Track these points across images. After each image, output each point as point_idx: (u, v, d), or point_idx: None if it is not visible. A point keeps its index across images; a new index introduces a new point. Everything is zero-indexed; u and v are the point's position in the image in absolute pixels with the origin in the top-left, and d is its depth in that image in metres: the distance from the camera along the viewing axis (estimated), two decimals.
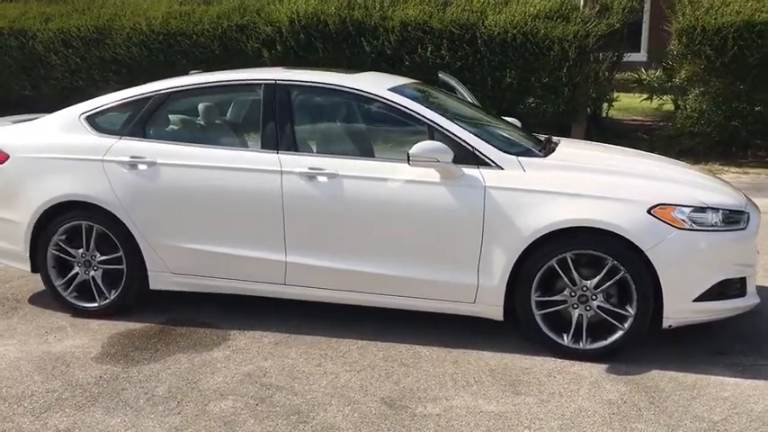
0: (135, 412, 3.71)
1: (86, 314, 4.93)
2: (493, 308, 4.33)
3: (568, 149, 4.91)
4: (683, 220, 4.07)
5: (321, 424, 3.58)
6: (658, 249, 4.03)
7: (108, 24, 13.22)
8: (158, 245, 4.71)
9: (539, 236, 4.15)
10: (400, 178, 4.35)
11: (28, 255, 4.95)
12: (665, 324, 4.15)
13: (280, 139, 4.57)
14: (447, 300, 4.41)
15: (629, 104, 13.44)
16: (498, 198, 4.21)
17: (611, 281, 4.13)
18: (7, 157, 4.96)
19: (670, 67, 12.43)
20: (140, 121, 4.83)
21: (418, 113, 4.46)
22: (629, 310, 4.13)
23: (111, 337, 4.63)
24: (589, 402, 3.77)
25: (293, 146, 4.57)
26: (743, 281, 4.26)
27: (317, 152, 4.65)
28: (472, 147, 4.33)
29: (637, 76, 12.90)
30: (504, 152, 4.37)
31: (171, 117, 4.99)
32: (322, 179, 4.43)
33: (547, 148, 4.73)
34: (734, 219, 4.20)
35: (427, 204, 4.30)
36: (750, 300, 4.29)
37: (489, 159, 4.31)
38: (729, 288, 4.22)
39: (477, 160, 4.31)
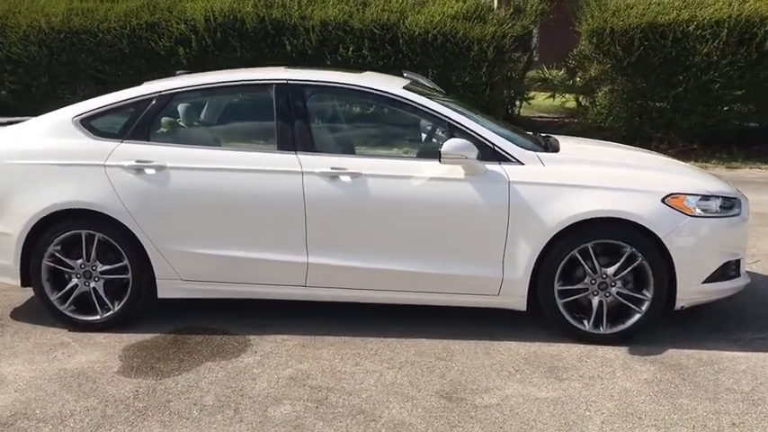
0: (194, 423, 3.61)
1: (86, 328, 4.71)
2: (517, 299, 4.49)
3: (571, 145, 5.15)
4: (693, 208, 4.38)
5: (391, 421, 3.62)
6: (672, 236, 4.32)
7: (1, 22, 12.48)
8: (169, 252, 4.57)
9: (562, 227, 4.34)
10: (425, 176, 4.43)
11: (18, 268, 4.66)
12: (678, 305, 4.45)
13: (297, 140, 4.53)
14: (471, 293, 4.53)
15: (534, 103, 14.01)
16: (522, 192, 4.36)
17: (630, 268, 4.38)
18: None
19: (572, 66, 13.09)
20: (142, 123, 4.66)
21: (438, 112, 4.55)
22: (647, 294, 4.39)
23: (125, 350, 4.45)
24: (629, 383, 3.99)
25: (311, 146, 4.54)
26: (738, 263, 4.63)
27: (335, 152, 4.63)
28: (492, 144, 4.47)
29: (542, 75, 13.47)
30: (524, 148, 4.53)
31: (176, 119, 4.83)
32: (345, 179, 4.44)
33: (553, 145, 4.93)
34: (730, 205, 4.55)
35: (453, 201, 4.40)
36: (744, 280, 4.66)
37: (510, 156, 4.46)
38: (728, 270, 4.57)
39: (499, 157, 4.45)
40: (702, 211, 4.42)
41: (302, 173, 4.46)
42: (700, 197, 4.43)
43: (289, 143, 4.54)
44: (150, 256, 4.58)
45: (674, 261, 4.34)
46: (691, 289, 4.42)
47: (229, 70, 5.43)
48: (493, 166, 4.43)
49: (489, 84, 11.54)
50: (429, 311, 4.77)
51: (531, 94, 13.77)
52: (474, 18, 11.70)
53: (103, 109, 4.74)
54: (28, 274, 4.69)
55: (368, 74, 5.24)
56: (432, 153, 4.54)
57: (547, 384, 3.99)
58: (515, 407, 3.75)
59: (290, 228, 4.49)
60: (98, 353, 4.40)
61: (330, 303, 4.77)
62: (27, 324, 4.83)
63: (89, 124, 4.69)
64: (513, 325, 4.68)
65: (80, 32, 12.32)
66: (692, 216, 4.37)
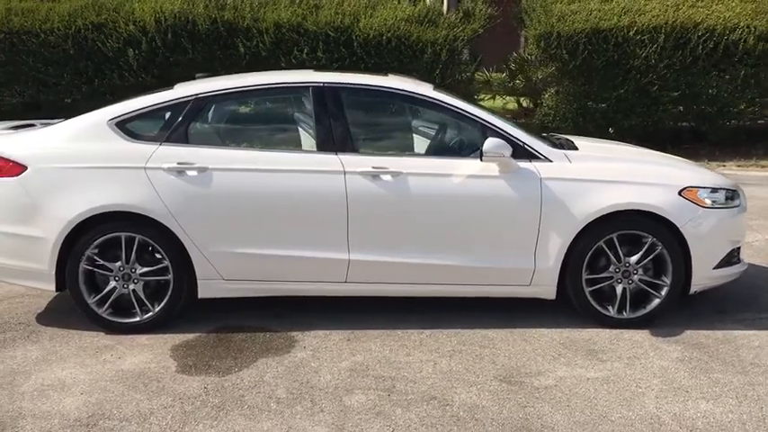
0: (276, 415, 3.73)
1: (123, 330, 4.72)
2: (547, 288, 4.78)
3: (587, 143, 5.48)
4: (705, 200, 4.78)
5: (465, 405, 3.84)
6: (689, 226, 4.70)
7: None
8: (211, 252, 4.64)
9: (590, 220, 4.66)
10: (462, 173, 4.67)
11: (53, 272, 4.64)
12: (692, 290, 4.84)
13: (336, 141, 4.69)
14: (504, 284, 4.80)
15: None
16: (553, 188, 4.66)
17: (651, 256, 4.74)
18: (24, 168, 4.61)
19: (513, 69, 13.61)
20: (181, 125, 4.72)
21: (470, 113, 4.81)
22: (665, 280, 4.76)
23: (174, 350, 4.51)
24: (664, 362, 4.35)
25: (350, 147, 4.71)
26: (738, 250, 5.06)
27: (374, 152, 4.81)
28: (523, 143, 4.75)
29: (484, 78, 13.92)
30: (551, 146, 4.83)
31: (214, 121, 4.90)
32: (386, 177, 4.63)
33: (569, 143, 5.24)
34: (732, 197, 4.98)
35: (489, 197, 4.66)
36: (744, 266, 5.11)
37: (540, 154, 4.75)
38: (732, 256, 4.99)
39: (529, 155, 4.74)
40: (712, 202, 4.82)
41: (344, 172, 4.62)
42: (710, 190, 4.83)
43: (328, 144, 4.69)
44: (192, 256, 4.64)
45: (690, 249, 4.72)
46: (703, 275, 4.82)
47: (257, 73, 5.51)
48: (524, 164, 4.70)
49: (443, 85, 11.84)
50: (449, 303, 4.99)
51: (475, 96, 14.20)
52: (426, 21, 12.01)
53: (140, 112, 4.77)
54: (62, 278, 4.66)
55: (392, 77, 5.43)
56: (465, 151, 4.79)
57: (591, 366, 4.29)
58: (572, 386, 4.03)
59: (333, 226, 4.64)
60: (147, 354, 4.44)
61: (360, 298, 4.93)
62: (59, 329, 4.80)
63: (125, 127, 4.71)
64: (537, 313, 4.96)
65: (21, 33, 11.97)
66: (704, 207, 4.77)
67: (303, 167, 4.65)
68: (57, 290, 4.72)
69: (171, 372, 4.21)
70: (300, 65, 11.80)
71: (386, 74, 5.67)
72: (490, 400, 3.88)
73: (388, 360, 4.35)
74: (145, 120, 4.80)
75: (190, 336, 4.69)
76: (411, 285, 4.79)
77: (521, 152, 4.72)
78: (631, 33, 11.54)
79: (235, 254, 4.65)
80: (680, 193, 4.74)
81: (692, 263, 4.76)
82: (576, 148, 5.05)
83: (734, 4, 12.09)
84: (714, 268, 4.86)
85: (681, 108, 12.15)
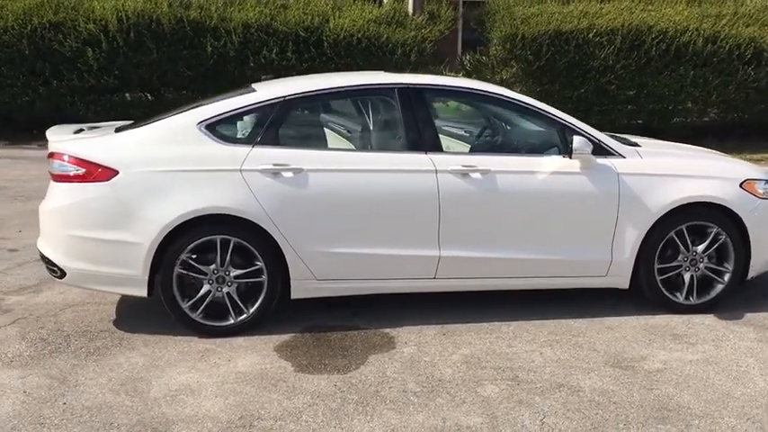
0: (422, 407, 3.83)
1: (216, 333, 4.69)
2: (622, 278, 5.05)
3: (645, 140, 5.77)
4: (762, 192, 5.15)
5: (595, 389, 4.04)
6: (749, 216, 5.07)
7: None
8: (306, 252, 4.67)
9: (664, 212, 4.96)
10: (546, 170, 4.87)
11: (147, 278, 4.57)
12: (750, 275, 5.20)
13: (425, 141, 4.81)
14: (583, 276, 5.04)
15: None
16: (629, 182, 4.93)
17: (716, 245, 5.08)
18: (116, 172, 4.52)
19: (470, 70, 13.94)
20: (271, 127, 4.73)
21: (549, 112, 5.02)
22: (728, 266, 5.11)
23: (277, 351, 4.52)
24: (746, 342, 4.68)
25: (438, 146, 4.84)
26: None
27: (461, 151, 4.96)
28: (598, 140, 5.00)
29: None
30: (623, 144, 5.10)
31: (303, 122, 4.93)
32: (475, 176, 4.78)
33: (631, 140, 5.53)
34: None
35: (572, 192, 4.89)
36: None
37: (614, 150, 5.02)
38: None
39: (605, 151, 4.99)
40: (764, 192, 5.20)
41: (436, 171, 4.74)
42: (764, 182, 5.21)
43: (418, 144, 4.81)
44: (287, 257, 4.66)
45: (750, 237, 5.09)
46: (760, 261, 5.20)
47: (330, 74, 5.56)
48: (602, 160, 4.96)
49: None
50: (515, 295, 5.17)
51: None
52: (393, 23, 12.19)
53: (228, 114, 4.74)
54: (154, 283, 4.60)
55: (464, 78, 5.58)
56: (542, 149, 5.01)
57: (684, 349, 4.57)
58: (681, 368, 4.30)
59: (425, 224, 4.76)
60: (253, 355, 4.43)
61: (432, 293, 5.06)
62: (146, 335, 4.72)
63: (216, 130, 4.68)
64: (602, 302, 5.22)
65: None
66: (761, 198, 5.14)
67: (396, 167, 4.74)
68: (148, 295, 4.62)
69: (290, 372, 4.23)
70: (269, 65, 11.77)
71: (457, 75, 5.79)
72: (615, 385, 4.09)
73: (495, 352, 4.50)
74: (233, 122, 4.78)
75: (285, 336, 4.70)
76: (497, 279, 4.96)
77: (597, 149, 4.97)
78: (591, 35, 12.06)
79: (329, 253, 4.70)
80: (741, 185, 5.10)
81: (752, 250, 5.11)
82: (639, 145, 5.33)
83: (681, 8, 12.82)
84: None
85: (634, 106, 12.75)
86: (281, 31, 11.83)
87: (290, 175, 4.62)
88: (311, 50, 11.91)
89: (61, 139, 4.76)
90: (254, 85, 5.15)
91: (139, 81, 12.10)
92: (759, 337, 4.75)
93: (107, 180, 4.51)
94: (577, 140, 4.78)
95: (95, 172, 4.52)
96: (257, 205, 4.56)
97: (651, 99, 12.47)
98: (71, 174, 4.56)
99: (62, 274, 4.64)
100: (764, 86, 12.63)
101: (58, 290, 5.49)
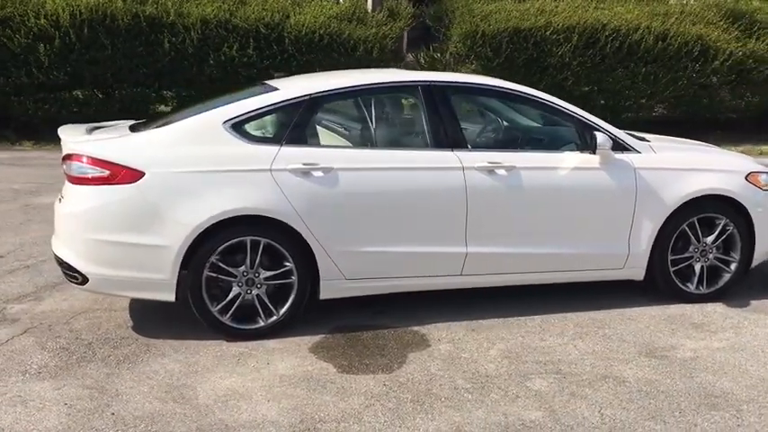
0: (478, 402, 3.85)
1: (246, 336, 4.60)
2: (638, 270, 5.18)
3: (652, 135, 5.90)
4: (764, 183, 5.37)
5: (639, 379, 4.13)
6: (754, 207, 5.27)
7: None
8: (336, 252, 4.63)
9: (678, 205, 5.11)
10: (568, 166, 4.96)
11: (175, 281, 4.45)
12: (753, 264, 5.41)
13: (450, 138, 4.83)
14: (601, 268, 5.15)
15: None
16: (645, 176, 5.06)
17: (724, 236, 5.26)
18: (142, 174, 4.38)
19: (423, 66, 14.02)
20: (297, 126, 4.66)
21: (568, 109, 5.10)
22: (734, 256, 5.30)
23: (313, 352, 4.47)
24: (765, 329, 4.85)
25: (463, 143, 4.87)
26: None
27: (484, 148, 5.00)
28: (615, 136, 5.11)
29: None
30: (637, 139, 5.23)
31: (329, 120, 4.87)
32: (501, 172, 4.83)
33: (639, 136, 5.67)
34: None
35: (592, 187, 4.99)
36: None
37: (630, 146, 5.14)
38: None
39: (621, 147, 5.11)
40: (766, 185, 5.41)
41: (463, 168, 4.76)
42: (766, 174, 5.42)
43: (443, 141, 4.82)
44: (317, 257, 4.60)
45: (755, 228, 5.29)
46: (762, 250, 5.41)
47: (348, 72, 5.52)
48: (620, 156, 5.07)
49: None
50: (529, 290, 5.24)
51: None
52: (354, 19, 12.16)
53: (253, 113, 4.65)
54: (182, 287, 4.49)
55: (480, 76, 5.61)
56: (561, 145, 5.09)
57: (709, 337, 4.72)
58: (712, 356, 4.44)
59: (452, 220, 4.78)
60: (292, 358, 4.37)
61: (450, 290, 5.07)
62: (173, 340, 4.59)
63: (242, 129, 4.59)
64: (612, 295, 5.33)
65: None
66: (763, 190, 5.35)
67: (425, 165, 4.74)
68: (176, 300, 4.49)
69: (334, 373, 4.19)
70: (230, 62, 11.60)
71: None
72: (656, 375, 4.20)
73: (530, 346, 4.56)
74: (257, 121, 4.69)
75: (315, 338, 4.65)
76: (520, 274, 5.02)
77: (615, 145, 5.07)
78: (548, 33, 12.30)
79: (359, 252, 4.67)
80: (746, 178, 5.29)
81: (756, 240, 5.31)
82: (648, 140, 5.47)
83: (631, 6, 13.18)
84: None
85: (587, 102, 13.04)
86: (241, 27, 11.66)
87: (319, 174, 4.56)
88: (273, 47, 11.77)
89: (78, 140, 4.58)
90: (272, 83, 5.06)
91: (92, 78, 11.73)
92: None
93: (133, 182, 4.36)
94: (600, 137, 4.88)
95: (120, 173, 4.37)
96: (288, 205, 4.49)
97: (604, 95, 12.78)
98: (93, 176, 4.39)
99: (84, 279, 4.47)
100: (710, 82, 13.11)
101: (61, 296, 5.30)
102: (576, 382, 4.10)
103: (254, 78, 11.43)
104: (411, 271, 4.82)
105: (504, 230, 4.88)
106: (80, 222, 4.45)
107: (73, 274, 4.51)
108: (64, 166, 4.56)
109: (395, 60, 12.37)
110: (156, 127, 4.69)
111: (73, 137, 4.65)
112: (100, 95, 12.07)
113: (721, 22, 13.33)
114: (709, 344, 4.61)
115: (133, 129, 4.80)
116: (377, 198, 4.64)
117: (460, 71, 12.85)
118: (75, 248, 4.47)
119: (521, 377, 4.15)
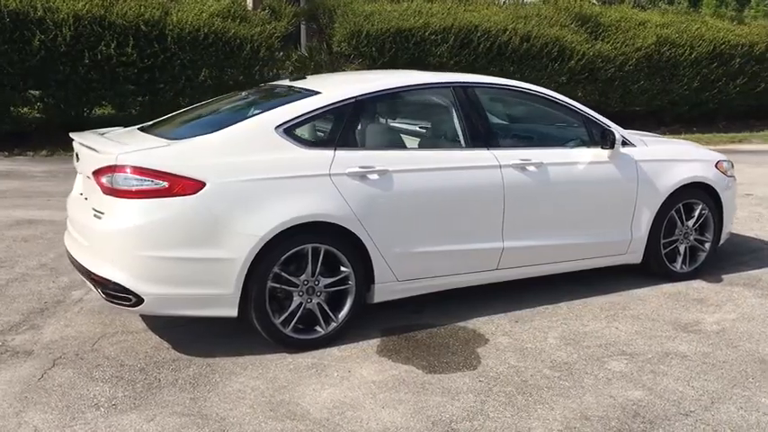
0: (579, 387, 4.03)
1: (306, 347, 4.49)
2: (636, 254, 5.62)
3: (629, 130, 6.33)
4: (726, 170, 6.00)
5: (695, 353, 4.50)
6: (723, 192, 5.89)
7: None
8: (390, 254, 4.63)
9: (670, 192, 5.60)
10: (586, 161, 5.28)
11: (239, 296, 4.26)
12: (720, 243, 6.04)
13: (484, 136, 4.99)
14: (609, 255, 5.53)
15: None
16: (644, 168, 5.50)
17: (701, 219, 5.83)
18: (202, 184, 4.15)
19: (299, 67, 13.97)
20: (347, 129, 4.61)
21: (580, 109, 5.42)
22: (708, 236, 5.90)
23: (384, 356, 4.43)
24: (757, 299, 5.42)
25: (495, 141, 5.04)
26: None
27: (515, 146, 5.19)
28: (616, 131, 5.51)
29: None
30: (633, 134, 5.67)
31: (375, 122, 4.82)
32: (531, 168, 5.06)
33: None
34: (732, 167, 6.28)
35: (606, 179, 5.35)
36: None
37: (628, 140, 5.55)
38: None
39: (623, 142, 5.51)
40: (727, 171, 6.06)
41: (500, 166, 4.94)
42: (726, 161, 6.07)
43: (479, 140, 4.96)
44: (373, 260, 4.58)
45: (724, 211, 5.91)
46: (727, 230, 6.05)
47: (375, 73, 5.43)
48: (623, 150, 5.46)
49: (264, 82, 11.85)
50: (527, 282, 5.43)
51: None
52: (237, 17, 11.89)
53: (304, 117, 4.53)
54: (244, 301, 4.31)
55: (493, 76, 5.78)
56: (572, 141, 5.40)
57: (718, 310, 5.22)
58: (735, 327, 4.91)
59: (492, 217, 4.93)
60: (368, 363, 4.30)
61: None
62: (229, 357, 4.38)
63: (294, 134, 4.46)
64: (600, 280, 5.70)
65: None
66: (727, 176, 5.98)
67: (468, 164, 4.86)
68: (238, 315, 4.30)
69: (422, 375, 4.20)
70: (107, 61, 10.96)
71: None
72: (705, 347, 4.59)
73: (579, 332, 4.81)
74: (309, 125, 4.58)
75: (372, 342, 4.62)
76: (547, 265, 5.27)
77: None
78: (427, 34, 12.70)
79: (412, 253, 4.70)
80: (716, 166, 5.89)
81: (723, 222, 5.93)
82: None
83: (497, 9, 13.92)
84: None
85: None
86: (118, 24, 11.03)
87: (375, 177, 4.53)
88: (154, 45, 11.23)
89: (116, 150, 4.22)
90: (298, 85, 4.96)
91: None
92: (761, 294, 5.54)
93: (193, 193, 4.10)
94: (617, 134, 5.23)
95: (178, 185, 4.09)
96: (348, 210, 4.43)
97: None
98: (146, 188, 4.08)
99: (138, 301, 4.14)
100: (566, 80, 14.13)
101: (57, 322, 4.88)
102: (647, 360, 4.39)
103: (132, 79, 10.89)
104: (453, 269, 4.91)
105: (535, 224, 5.10)
106: (132, 239, 4.11)
107: (124, 296, 4.15)
108: (103, 179, 4.18)
109: (281, 60, 12.20)
110: (201, 135, 4.42)
111: (104, 145, 4.29)
112: None
113: (572, 25, 14.40)
114: (723, 316, 5.09)
115: (142, 130, 4.57)
116: (428, 198, 4.69)
117: (344, 70, 12.96)
118: (126, 268, 4.12)
119: (596, 361, 4.37)
